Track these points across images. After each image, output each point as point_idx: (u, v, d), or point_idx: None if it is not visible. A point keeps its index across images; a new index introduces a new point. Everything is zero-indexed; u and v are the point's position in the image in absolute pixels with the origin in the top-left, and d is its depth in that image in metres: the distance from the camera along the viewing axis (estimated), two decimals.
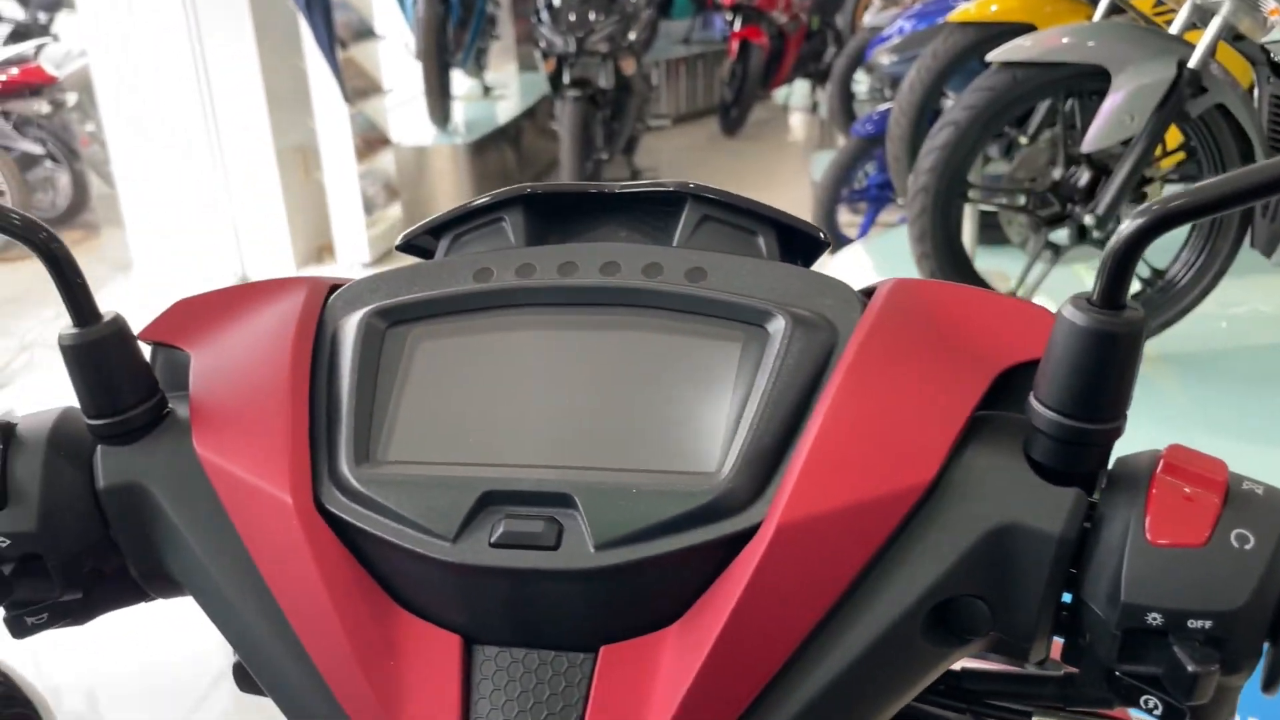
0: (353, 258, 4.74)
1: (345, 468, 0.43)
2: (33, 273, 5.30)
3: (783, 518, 0.39)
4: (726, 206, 0.49)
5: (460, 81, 6.20)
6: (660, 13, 7.30)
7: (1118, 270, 0.36)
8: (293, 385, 0.46)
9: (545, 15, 5.13)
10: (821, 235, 0.49)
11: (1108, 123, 2.22)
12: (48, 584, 0.47)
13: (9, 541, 0.46)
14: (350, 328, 0.47)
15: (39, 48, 5.87)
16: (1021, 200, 2.47)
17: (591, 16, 5.11)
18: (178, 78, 4.40)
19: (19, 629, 0.49)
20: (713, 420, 0.42)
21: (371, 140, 4.81)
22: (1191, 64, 2.15)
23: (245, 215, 4.65)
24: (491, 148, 5.66)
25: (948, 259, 2.42)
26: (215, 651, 2.39)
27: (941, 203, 2.35)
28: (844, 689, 0.39)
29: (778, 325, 0.43)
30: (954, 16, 3.02)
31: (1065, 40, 2.27)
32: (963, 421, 0.40)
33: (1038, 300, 2.54)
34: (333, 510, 0.43)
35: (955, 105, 2.33)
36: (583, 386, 0.44)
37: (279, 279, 0.53)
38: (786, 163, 6.92)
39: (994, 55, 2.32)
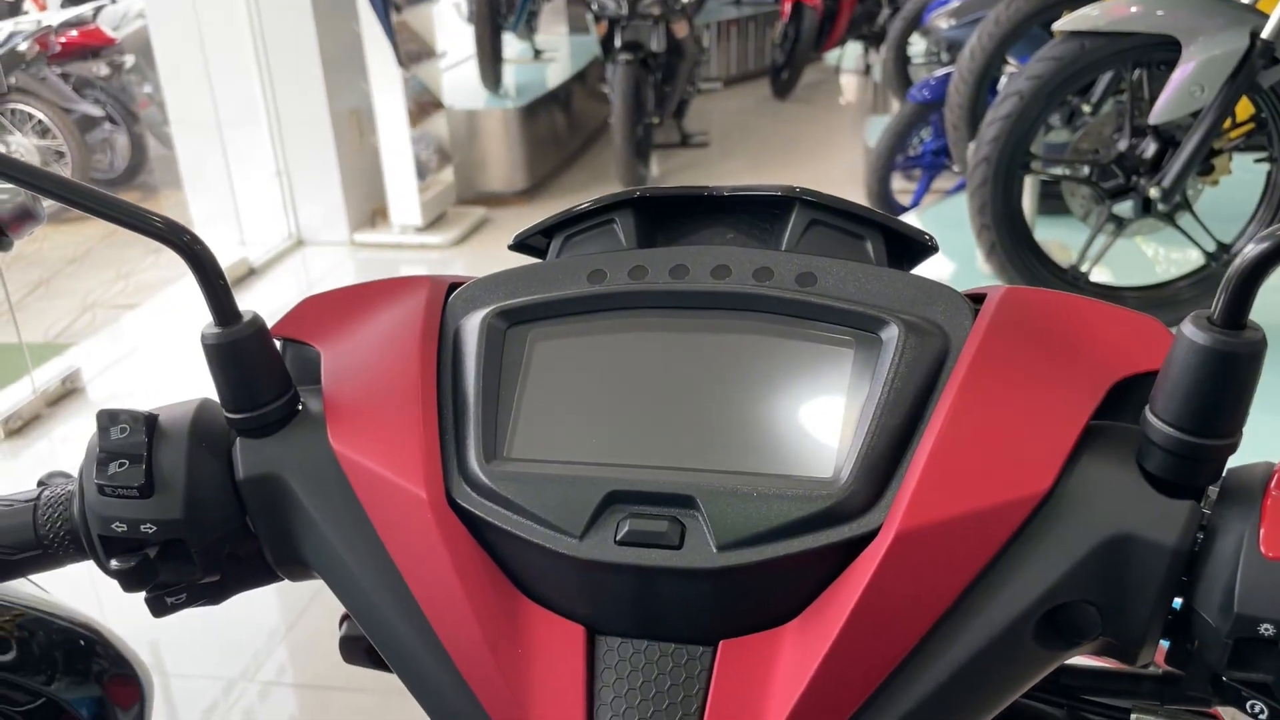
0: (405, 221, 4.78)
1: (475, 464, 0.45)
2: (90, 235, 5.41)
3: (902, 524, 0.40)
4: (835, 211, 0.50)
5: (511, 44, 6.19)
6: None
7: (1240, 291, 0.37)
8: (422, 383, 0.48)
9: None
10: (928, 240, 0.50)
11: (1177, 94, 2.18)
12: (189, 567, 0.50)
13: (156, 528, 0.48)
14: (472, 328, 0.49)
15: (97, 10, 5.95)
16: (1085, 171, 2.43)
17: None
18: (235, 41, 4.44)
19: (159, 608, 0.51)
20: (828, 425, 0.44)
21: (424, 104, 4.83)
22: (1265, 34, 2.10)
23: (300, 178, 4.70)
24: (542, 111, 5.66)
25: (1008, 230, 2.40)
26: (271, 609, 2.46)
27: (1003, 174, 2.33)
28: (954, 689, 0.41)
29: (891, 333, 0.44)
30: None
31: (1134, 9, 2.23)
32: (1078, 431, 0.41)
33: (1098, 273, 2.51)
34: (463, 505, 0.45)
35: (1020, 74, 2.30)
36: (699, 389, 0.46)
37: (401, 278, 0.55)
38: (839, 127, 6.85)
39: (1061, 24, 2.28)
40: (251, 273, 4.47)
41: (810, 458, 0.43)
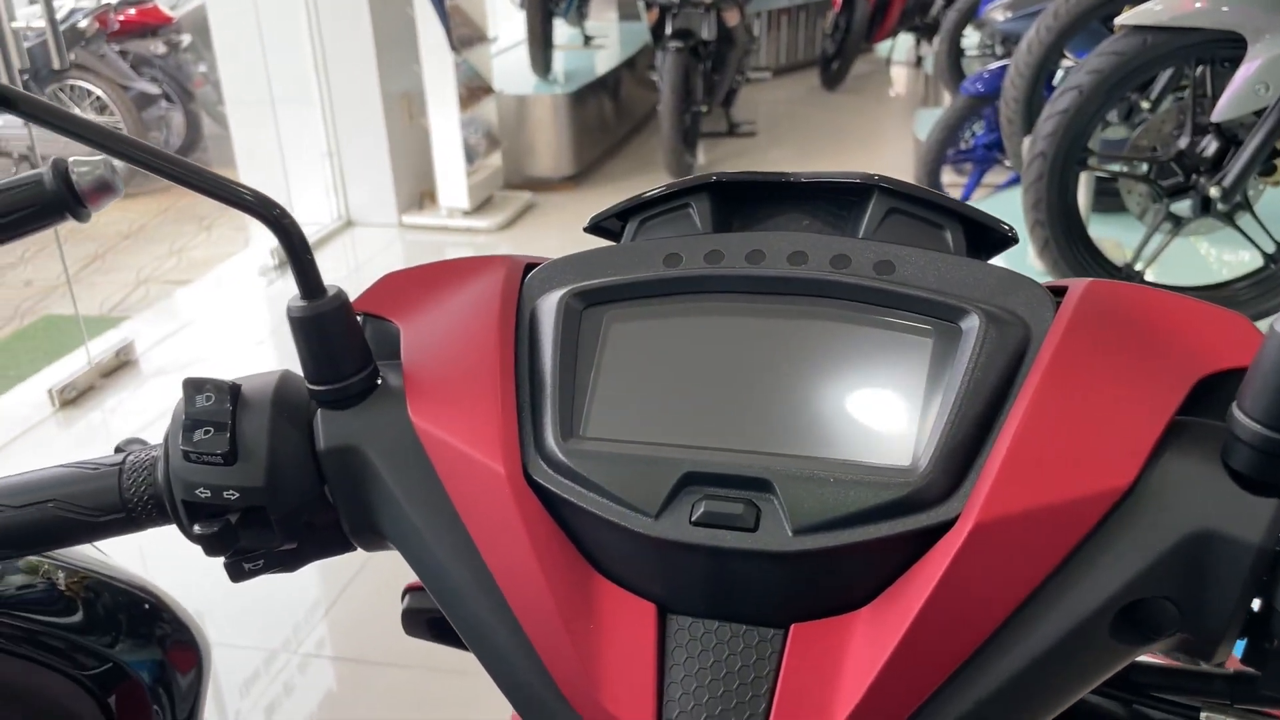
0: (453, 204, 4.81)
1: (552, 442, 0.46)
2: (145, 211, 5.51)
3: (981, 514, 0.40)
4: (914, 199, 0.50)
5: (561, 30, 6.20)
6: None
7: None
8: (500, 361, 0.48)
9: None
10: (1009, 230, 0.50)
11: (1240, 92, 2.14)
12: (268, 535, 0.51)
13: (238, 495, 0.49)
14: (549, 307, 0.50)
15: None
16: (1144, 169, 2.40)
17: None
18: (290, 21, 4.48)
19: (237, 573, 0.53)
20: (906, 414, 0.44)
21: (474, 88, 4.86)
22: None
23: (350, 159, 4.75)
24: (591, 98, 5.67)
25: (1062, 227, 2.37)
26: (313, 584, 2.50)
27: (1060, 169, 2.30)
28: (1028, 681, 0.41)
29: (972, 323, 0.44)
30: None
31: (1199, 4, 2.19)
32: (1162, 426, 0.41)
33: (1153, 273, 2.47)
34: (540, 481, 0.46)
35: (1079, 68, 2.27)
36: (775, 374, 0.46)
37: (479, 257, 0.55)
38: (889, 119, 6.79)
39: (1124, 18, 2.25)
40: None
41: (887, 445, 0.43)
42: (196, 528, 0.50)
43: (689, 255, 0.50)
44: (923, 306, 0.46)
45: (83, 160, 0.77)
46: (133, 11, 5.76)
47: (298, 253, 0.48)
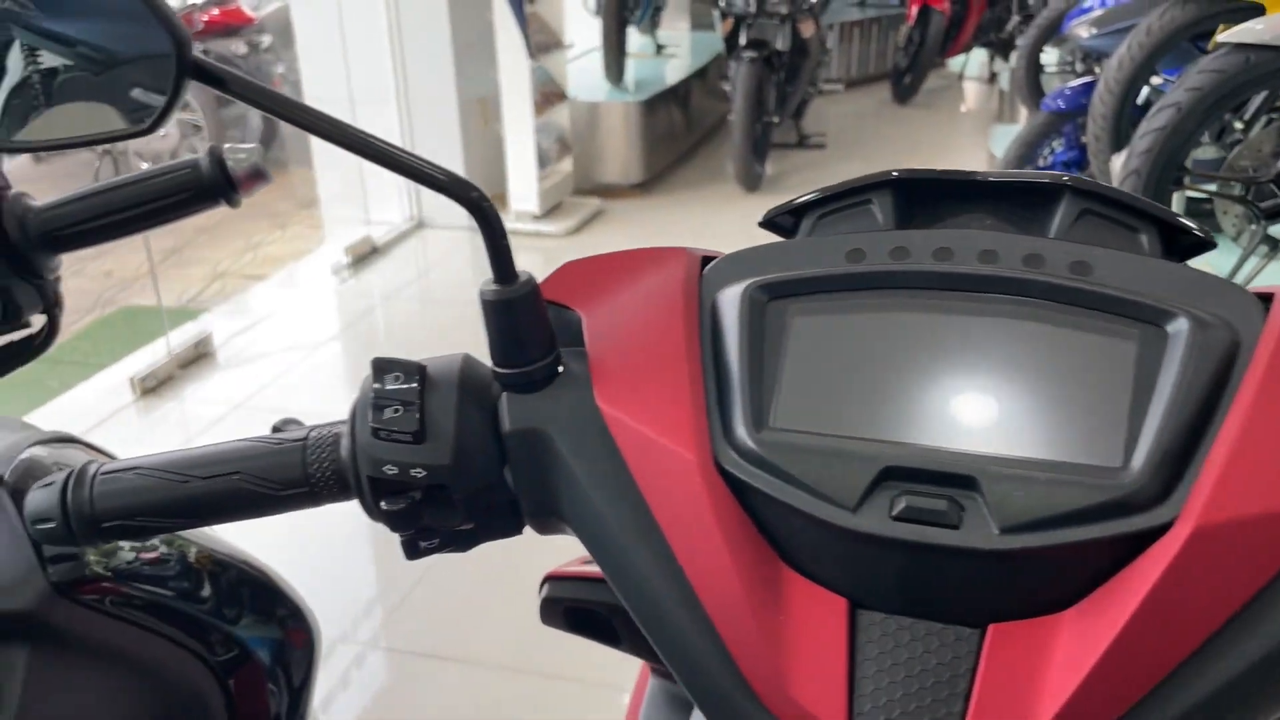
0: (523, 208, 4.84)
1: (742, 431, 0.46)
2: (222, 208, 5.60)
3: (1201, 519, 0.39)
4: (1109, 201, 0.49)
5: (634, 39, 6.23)
6: None
7: None
8: (687, 350, 0.49)
9: None
10: (1205, 234, 0.49)
11: None
12: (448, 514, 0.52)
13: (425, 473, 0.50)
14: (732, 299, 0.50)
15: None
16: (1240, 189, 2.35)
17: None
18: (372, 23, 4.55)
19: (413, 550, 0.54)
20: (1112, 416, 0.43)
21: (549, 94, 4.89)
22: None
23: None
24: (661, 106, 5.68)
25: None
26: (383, 576, 2.52)
27: (1154, 187, 2.27)
28: (1239, 689, 0.40)
29: (1179, 326, 0.44)
30: None
31: None
32: None
33: None
34: (730, 470, 0.46)
35: (1178, 85, 2.23)
36: (972, 371, 0.46)
37: (658, 249, 0.56)
38: (961, 134, 6.72)
39: (1225, 36, 2.21)
40: (374, 251, 4.59)
41: (1095, 446, 0.43)
42: (383, 504, 0.51)
43: (873, 251, 0.50)
44: (1125, 308, 0.45)
45: (237, 147, 0.79)
46: (216, 12, 5.88)
47: (494, 236, 0.49)
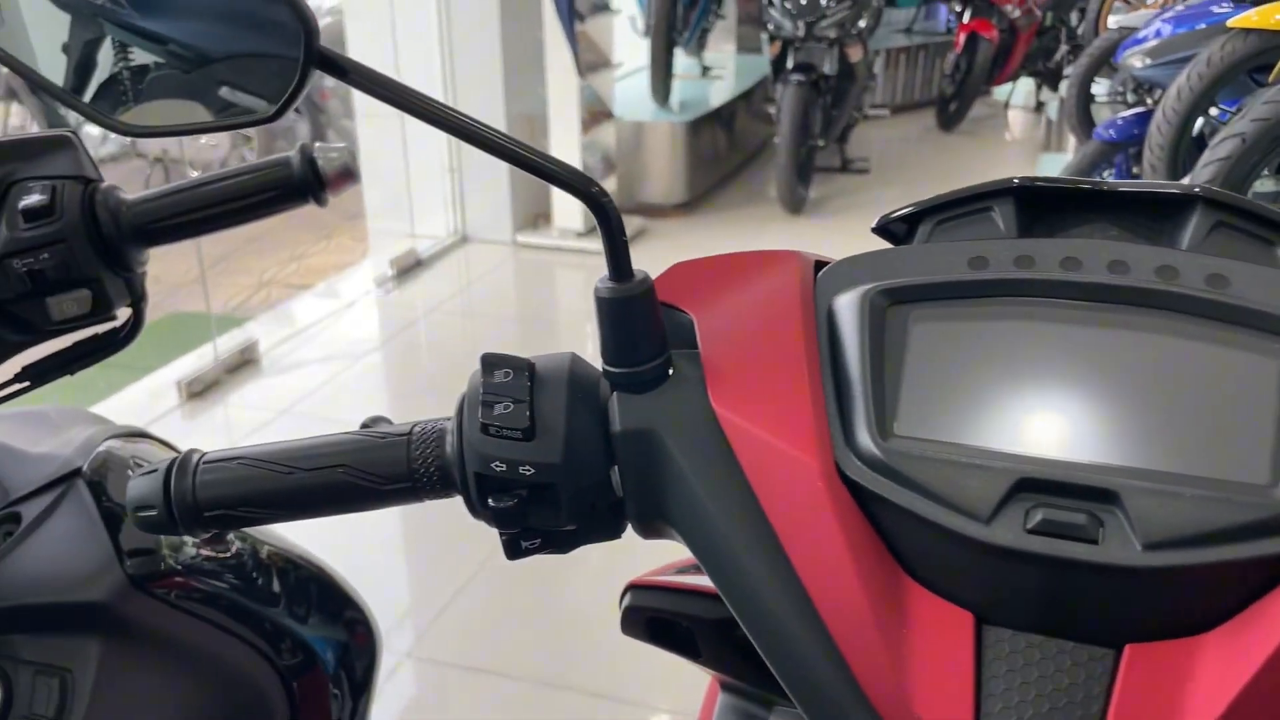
0: (566, 225, 4.86)
1: (865, 438, 0.45)
2: (269, 219, 5.67)
3: None
4: (1244, 214, 0.48)
5: (679, 60, 6.25)
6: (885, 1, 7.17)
7: None
8: (805, 354, 0.48)
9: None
10: None
11: None
12: (553, 514, 0.51)
13: (533, 471, 0.50)
14: (849, 303, 0.49)
15: None
16: None
17: (823, 1, 5.07)
18: (423, 38, 4.60)
19: (514, 551, 0.53)
20: (1256, 432, 0.42)
21: (595, 113, 4.92)
22: None
23: (470, 176, 4.84)
24: (706, 128, 5.69)
25: None
26: (424, 585, 2.51)
27: None
28: None
29: None
30: (1235, 22, 2.83)
31: None
32: None
33: None
34: (852, 477, 0.45)
35: (1242, 116, 2.20)
36: (1105, 383, 0.44)
37: (770, 251, 0.55)
38: (1007, 163, 6.68)
39: None
40: (418, 264, 4.61)
41: (1241, 463, 0.41)
42: (490, 501, 0.50)
43: (996, 259, 0.49)
44: (1266, 322, 0.44)
45: (328, 146, 0.79)
46: None
47: (613, 233, 0.48)
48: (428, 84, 4.67)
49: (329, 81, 5.27)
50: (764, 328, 0.50)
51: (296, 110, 6.00)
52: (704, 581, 0.70)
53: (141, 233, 0.76)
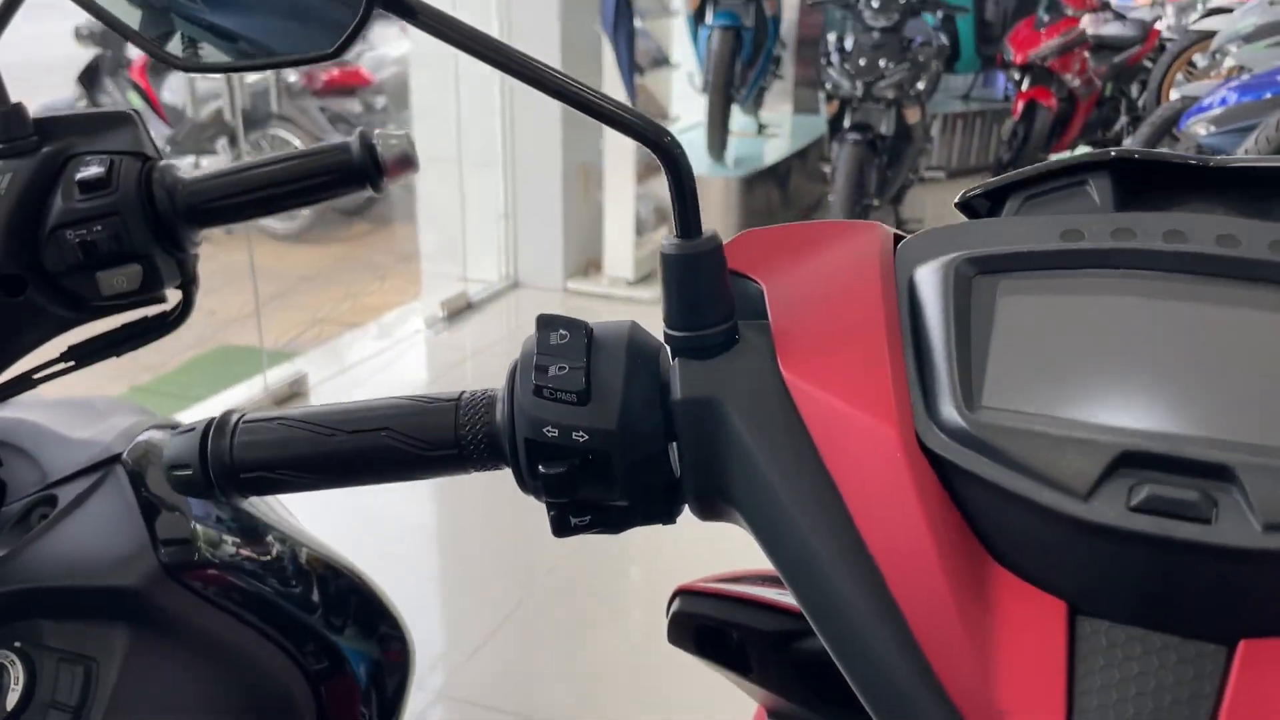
0: (617, 274, 4.87)
1: (950, 408, 0.41)
2: (326, 255, 5.77)
3: None
4: None
5: (736, 117, 6.29)
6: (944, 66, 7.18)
7: None
8: (885, 323, 0.45)
9: (835, 58, 5.13)
10: None
11: None
12: (604, 487, 0.48)
13: (587, 437, 0.47)
14: (932, 273, 0.46)
15: (360, 53, 6.38)
16: None
17: (882, 63, 5.08)
18: (484, 87, 4.67)
19: (563, 527, 0.50)
20: None
21: (650, 164, 4.94)
22: None
23: (524, 223, 4.87)
24: (760, 184, 5.70)
25: None
26: (461, 621, 2.47)
27: None
28: None
29: None
30: None
31: None
32: None
33: None
34: (935, 450, 0.41)
35: None
36: (1217, 359, 0.41)
37: (844, 221, 0.52)
38: None
39: None
40: (468, 306, 4.63)
41: None
42: (541, 468, 0.47)
43: (1092, 231, 0.45)
44: None
45: (388, 133, 0.78)
46: (336, 72, 6.10)
47: (683, 188, 0.46)
48: (488, 131, 4.73)
49: (392, 129, 5.34)
50: (839, 296, 0.47)
51: None
52: (758, 591, 0.66)
53: (196, 212, 0.75)
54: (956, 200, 0.52)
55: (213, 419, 0.54)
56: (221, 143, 5.65)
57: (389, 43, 6.55)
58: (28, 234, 0.70)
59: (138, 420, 0.89)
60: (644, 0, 4.76)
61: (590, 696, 2.23)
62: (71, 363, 0.79)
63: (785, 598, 0.65)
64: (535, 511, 0.53)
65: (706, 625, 0.65)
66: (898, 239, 0.50)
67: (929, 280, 0.46)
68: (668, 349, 0.48)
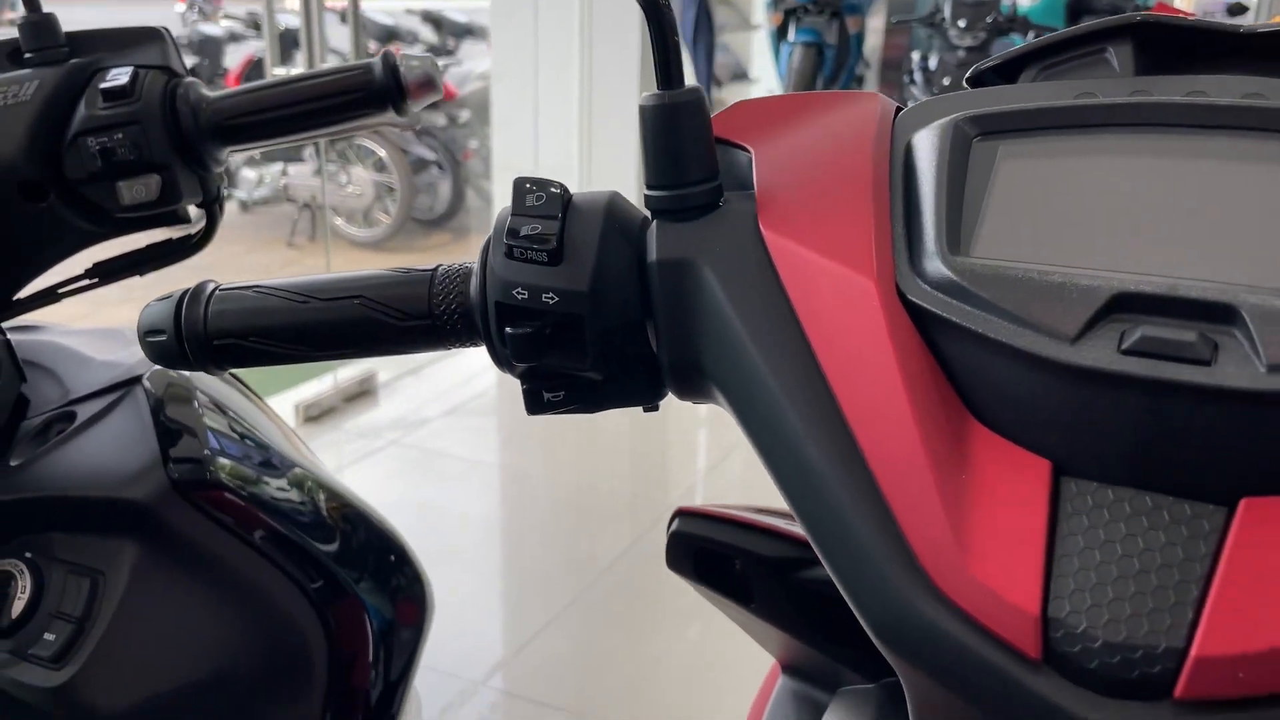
0: None
1: (933, 257, 0.39)
2: (404, 263, 5.84)
3: None
4: None
5: None
6: None
7: None
8: (875, 182, 0.42)
9: (918, 77, 5.08)
10: None
11: None
12: (577, 356, 0.46)
13: (557, 299, 0.45)
14: (930, 135, 0.43)
15: (445, 67, 6.50)
16: None
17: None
18: (564, 102, 4.72)
19: (536, 403, 0.48)
20: None
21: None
22: None
23: None
24: None
25: None
26: (507, 619, 2.46)
27: None
28: None
29: None
30: None
31: None
32: None
33: None
34: (915, 300, 0.38)
35: None
36: (1236, 213, 0.37)
37: (844, 91, 0.49)
38: None
39: None
40: None
41: None
42: (508, 329, 0.45)
43: (1106, 92, 0.42)
44: None
45: (410, 55, 0.77)
46: None
47: (665, 37, 0.43)
48: (564, 150, 4.77)
49: (472, 142, 5.41)
50: (830, 159, 0.44)
51: (439, 166, 6.21)
52: (761, 517, 0.63)
53: (219, 130, 0.75)
54: (967, 75, 0.49)
55: (189, 288, 0.53)
56: (309, 151, 5.80)
57: (474, 59, 6.67)
58: (51, 141, 0.71)
59: None
60: (725, 14, 4.76)
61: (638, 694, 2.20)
62: (95, 279, 0.79)
63: (792, 526, 0.62)
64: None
65: (706, 549, 0.62)
66: (898, 110, 0.47)
67: (926, 142, 0.43)
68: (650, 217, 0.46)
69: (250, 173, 6.03)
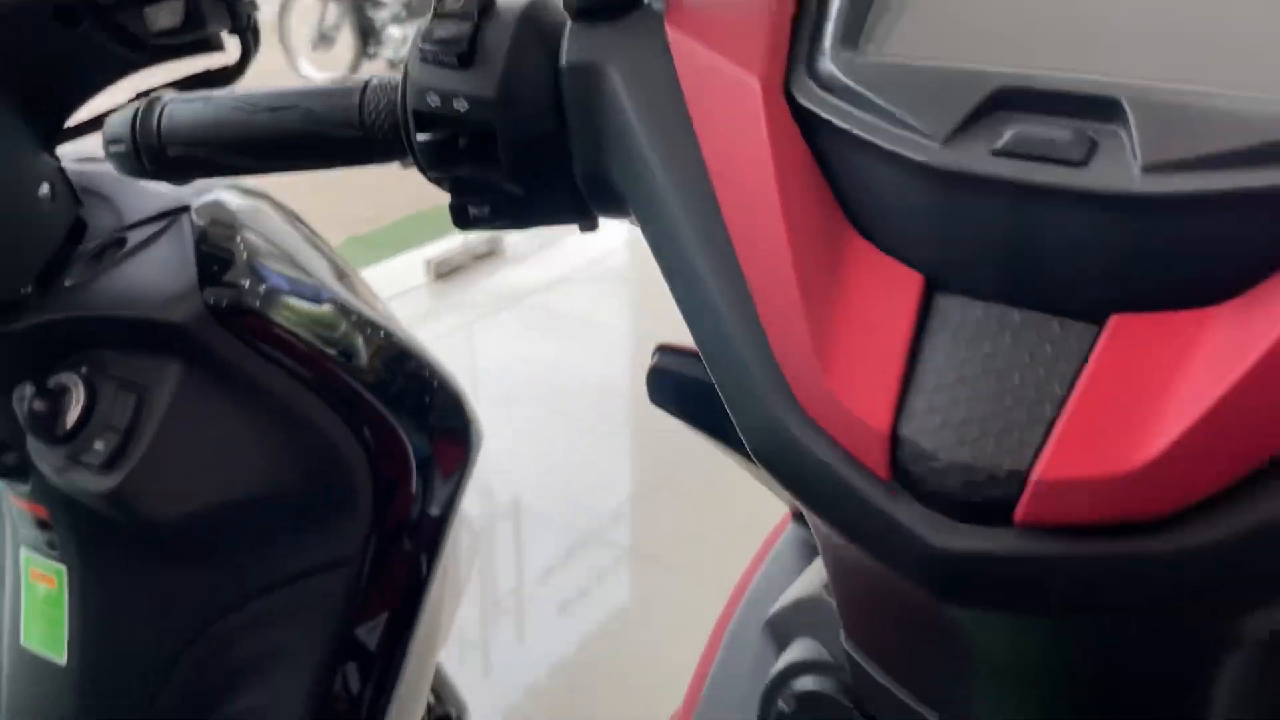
0: None
1: (826, 55, 0.36)
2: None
3: None
4: None
5: None
6: None
7: None
8: None
9: None
10: None
11: None
12: (495, 168, 0.45)
13: (468, 105, 0.44)
14: None
15: None
16: None
17: None
18: None
19: (461, 218, 0.48)
20: None
21: None
22: None
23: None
24: None
25: None
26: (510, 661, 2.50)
27: None
28: None
29: None
30: None
31: None
32: None
33: None
34: (801, 100, 0.36)
35: None
36: (1138, 3, 0.33)
37: None
38: None
39: None
40: None
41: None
42: (419, 136, 0.45)
43: None
44: None
45: None
46: None
47: None
48: None
49: None
50: None
51: None
52: None
53: None
54: None
55: (149, 98, 0.54)
56: None
57: None
58: None
59: (218, 180, 0.92)
60: None
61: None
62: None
63: None
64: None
65: (687, 383, 0.61)
66: None
67: None
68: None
69: (396, 30, 6.08)
